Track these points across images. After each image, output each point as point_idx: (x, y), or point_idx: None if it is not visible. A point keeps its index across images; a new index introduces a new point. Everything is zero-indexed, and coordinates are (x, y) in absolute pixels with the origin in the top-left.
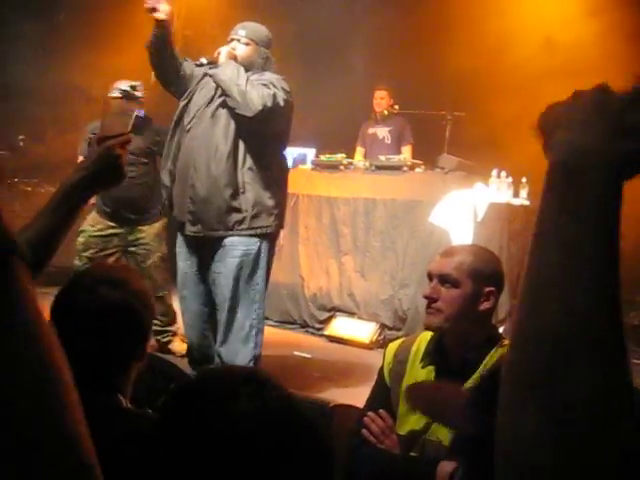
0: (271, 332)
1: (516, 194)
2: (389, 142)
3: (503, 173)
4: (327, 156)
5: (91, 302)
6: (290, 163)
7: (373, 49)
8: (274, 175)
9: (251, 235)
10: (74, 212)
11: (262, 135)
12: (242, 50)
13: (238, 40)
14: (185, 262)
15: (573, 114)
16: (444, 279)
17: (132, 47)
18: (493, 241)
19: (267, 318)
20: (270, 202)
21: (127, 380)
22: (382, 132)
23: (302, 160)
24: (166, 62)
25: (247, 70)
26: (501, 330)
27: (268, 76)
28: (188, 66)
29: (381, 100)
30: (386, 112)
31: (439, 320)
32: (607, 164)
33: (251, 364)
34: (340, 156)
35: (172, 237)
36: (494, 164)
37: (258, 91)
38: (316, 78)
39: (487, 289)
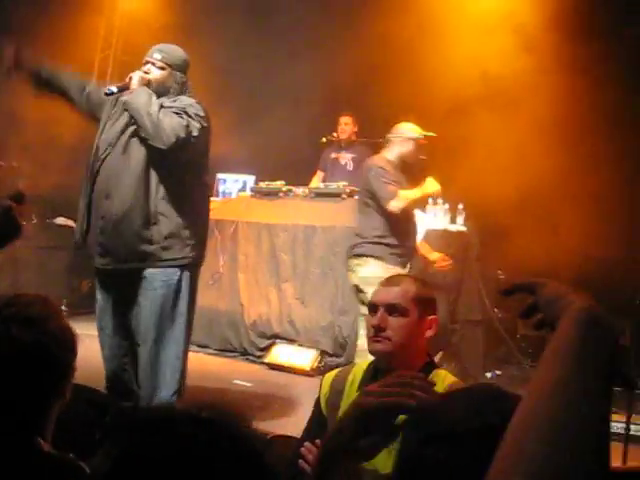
0: (211, 360)
1: (453, 220)
2: (350, 169)
3: (440, 200)
4: (267, 183)
5: (2, 343)
6: (234, 189)
7: (317, 73)
8: (192, 204)
9: (169, 266)
10: None
11: (176, 164)
12: (157, 74)
13: (153, 63)
14: (102, 295)
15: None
16: (392, 308)
17: None
18: (430, 266)
19: (206, 346)
20: (186, 232)
21: (46, 420)
22: (344, 158)
23: (242, 188)
24: (62, 91)
25: (161, 95)
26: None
27: (182, 101)
28: (96, 92)
29: (345, 126)
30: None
31: (388, 347)
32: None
33: (174, 397)
34: (280, 183)
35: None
36: None
37: (171, 121)
38: (256, 105)
39: (430, 317)
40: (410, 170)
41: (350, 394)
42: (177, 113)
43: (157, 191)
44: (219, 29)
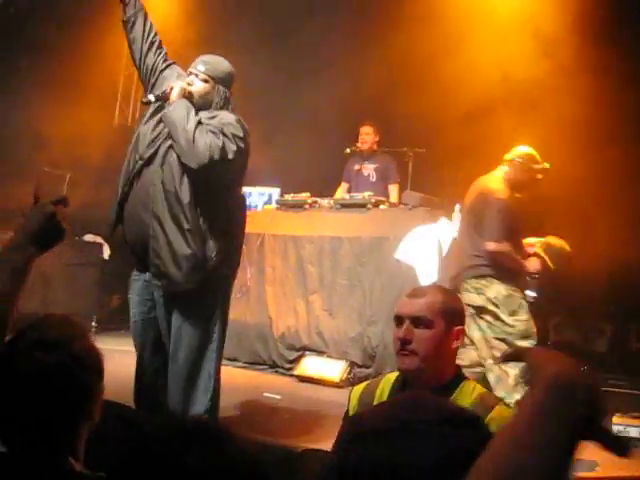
0: (240, 373)
1: None
2: (374, 180)
3: None
4: (292, 195)
5: (26, 367)
6: (260, 202)
7: (336, 85)
8: (229, 220)
9: (210, 286)
10: (18, 273)
11: (212, 183)
12: (199, 87)
13: (196, 75)
14: (140, 308)
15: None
16: (417, 321)
17: (90, 97)
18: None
19: (236, 359)
20: (225, 249)
21: (77, 441)
22: (367, 169)
23: (267, 200)
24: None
25: (203, 109)
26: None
27: (222, 119)
28: (164, 61)
29: (366, 136)
30: (375, 147)
31: (415, 362)
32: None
33: (206, 414)
34: (305, 195)
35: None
36: (457, 199)
37: (206, 141)
38: (280, 118)
39: (457, 328)
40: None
41: None
42: (214, 132)
43: (202, 207)
44: (241, 44)
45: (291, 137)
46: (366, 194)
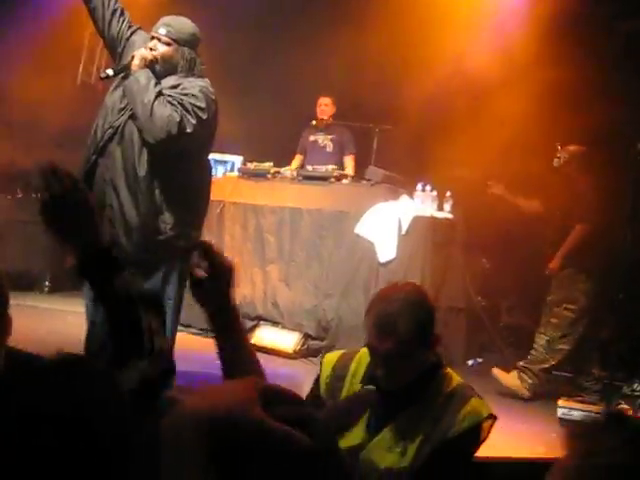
0: (194, 340)
1: (440, 207)
2: (330, 150)
3: (428, 187)
4: (255, 164)
5: None
6: (221, 170)
7: (304, 57)
8: (191, 191)
9: (164, 258)
10: None
11: (173, 156)
12: (162, 51)
13: (159, 39)
14: None
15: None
16: (391, 359)
17: (53, 54)
18: (417, 253)
19: (190, 326)
20: (186, 220)
21: None
22: (324, 140)
23: (230, 169)
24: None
25: (169, 74)
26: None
27: (184, 87)
28: (128, 28)
29: (325, 107)
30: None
31: (393, 385)
32: None
33: None
34: (268, 164)
35: None
36: (419, 178)
37: (164, 114)
38: (246, 85)
39: (434, 337)
40: None
41: (351, 386)
42: (173, 104)
43: (159, 179)
44: (209, 7)
45: (257, 106)
46: (329, 167)
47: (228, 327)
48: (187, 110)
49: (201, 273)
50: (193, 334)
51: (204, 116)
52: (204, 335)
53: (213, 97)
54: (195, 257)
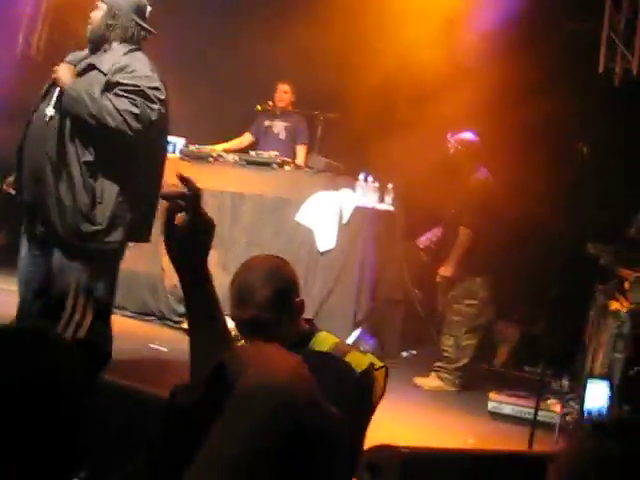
0: (128, 322)
1: (382, 199)
2: (283, 138)
3: (370, 178)
4: (197, 147)
5: None
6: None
7: (251, 41)
8: (136, 184)
9: (107, 249)
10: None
11: (121, 147)
12: (94, 17)
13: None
14: (27, 251)
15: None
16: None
17: None
18: (357, 243)
19: (124, 308)
20: (128, 214)
21: None
22: (278, 127)
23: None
24: None
25: (99, 44)
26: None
27: (135, 70)
28: None
29: (284, 94)
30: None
31: None
32: None
33: None
34: (210, 147)
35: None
36: (362, 168)
37: (120, 109)
38: (191, 65)
39: (297, 300)
40: None
41: None
42: (128, 94)
43: (98, 167)
44: None
45: (207, 89)
46: (272, 153)
47: (201, 293)
48: (147, 97)
49: (180, 221)
50: (127, 317)
51: (162, 96)
52: (137, 318)
53: (159, 73)
54: (178, 203)
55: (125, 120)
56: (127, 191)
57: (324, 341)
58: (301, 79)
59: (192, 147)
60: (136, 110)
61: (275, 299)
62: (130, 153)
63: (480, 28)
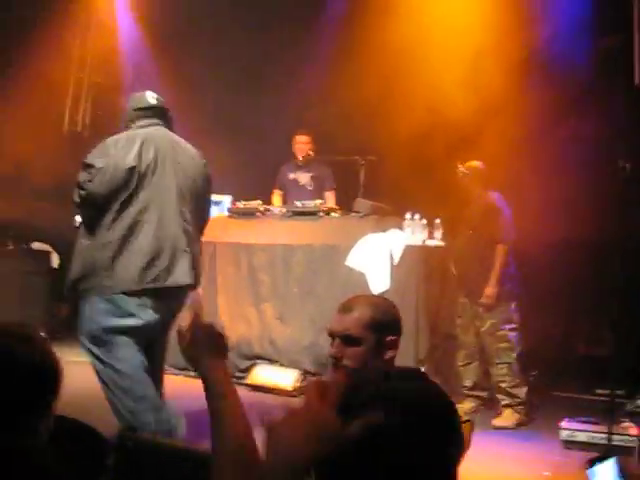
0: (193, 383)
1: (431, 235)
2: (311, 188)
3: (417, 215)
4: (243, 203)
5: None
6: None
7: (285, 95)
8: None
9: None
10: None
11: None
12: None
13: None
14: None
15: None
16: (346, 338)
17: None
18: (410, 282)
19: (187, 369)
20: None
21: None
22: (304, 178)
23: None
24: None
25: None
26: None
27: None
28: None
29: (303, 145)
30: (311, 153)
31: (343, 378)
32: None
33: None
34: (257, 203)
35: None
36: (407, 207)
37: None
38: (223, 127)
39: (389, 338)
40: None
41: None
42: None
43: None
44: (192, 47)
45: (238, 146)
46: (318, 202)
47: (217, 394)
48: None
49: (182, 329)
50: (191, 377)
51: (98, 165)
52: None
53: (109, 144)
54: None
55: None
56: (82, 252)
57: None
58: (330, 127)
59: (239, 203)
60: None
61: (371, 322)
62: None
63: (509, 57)
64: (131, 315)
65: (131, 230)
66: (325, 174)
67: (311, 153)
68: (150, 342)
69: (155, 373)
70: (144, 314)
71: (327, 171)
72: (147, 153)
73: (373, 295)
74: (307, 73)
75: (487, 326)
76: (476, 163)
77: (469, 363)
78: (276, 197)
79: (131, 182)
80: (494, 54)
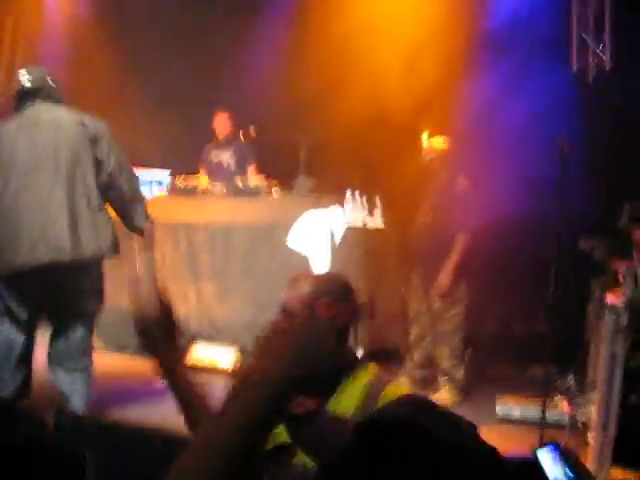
0: (128, 361)
1: (371, 213)
2: (234, 169)
3: (357, 193)
4: (182, 177)
5: None
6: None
7: (226, 69)
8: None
9: None
10: None
11: None
12: None
13: None
14: None
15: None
16: (285, 312)
17: None
18: (350, 264)
19: (125, 347)
20: None
21: None
22: (226, 158)
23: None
24: None
25: None
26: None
27: None
28: None
29: (224, 123)
30: (241, 135)
31: None
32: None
33: None
34: (196, 177)
35: None
36: (349, 185)
37: None
38: (170, 98)
39: (321, 300)
40: None
41: None
42: None
43: None
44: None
45: (175, 118)
46: (259, 177)
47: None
48: None
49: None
50: (129, 354)
51: None
52: (139, 355)
53: None
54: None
55: None
56: None
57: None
58: (273, 106)
59: (179, 178)
60: None
61: (308, 297)
62: None
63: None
64: None
65: None
66: (245, 150)
67: (248, 132)
68: None
69: None
70: None
71: (246, 146)
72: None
73: (329, 273)
74: (252, 53)
75: (436, 307)
76: (443, 143)
77: (421, 339)
78: (202, 178)
79: None
80: (436, 41)
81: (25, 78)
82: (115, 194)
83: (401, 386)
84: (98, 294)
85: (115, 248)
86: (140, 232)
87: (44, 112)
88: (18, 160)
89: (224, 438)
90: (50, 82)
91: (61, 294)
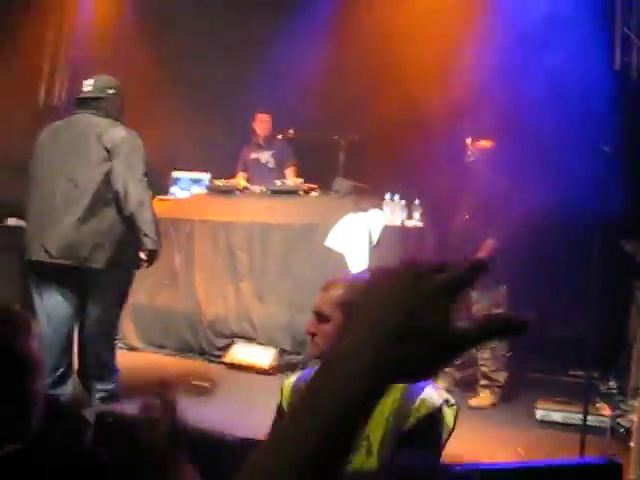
0: (168, 361)
1: (410, 216)
2: (272, 166)
3: (396, 196)
4: (223, 181)
5: None
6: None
7: (262, 73)
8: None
9: None
10: None
11: None
12: None
13: None
14: None
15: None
16: (318, 315)
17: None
18: (388, 262)
19: (164, 347)
20: None
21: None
22: (265, 157)
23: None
24: None
25: None
26: None
27: None
28: None
29: (265, 124)
30: (280, 136)
31: (316, 353)
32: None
33: None
34: (235, 181)
35: None
36: (387, 187)
37: None
38: (209, 102)
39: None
40: None
41: None
42: None
43: None
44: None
45: (224, 122)
46: (298, 180)
47: None
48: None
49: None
50: (167, 355)
51: None
52: (178, 356)
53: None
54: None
55: None
56: None
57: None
58: (311, 106)
59: (218, 181)
60: None
61: (340, 300)
62: None
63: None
64: None
65: None
66: (286, 151)
67: (287, 132)
68: None
69: None
70: None
71: (287, 148)
72: None
73: (358, 277)
74: (290, 55)
75: (475, 308)
76: (486, 144)
77: None
78: (240, 178)
79: None
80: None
81: (87, 83)
82: (125, 214)
83: (438, 392)
84: (114, 297)
85: (111, 263)
86: (146, 252)
87: (79, 123)
88: (42, 163)
89: (312, 428)
90: (110, 94)
91: (84, 291)
